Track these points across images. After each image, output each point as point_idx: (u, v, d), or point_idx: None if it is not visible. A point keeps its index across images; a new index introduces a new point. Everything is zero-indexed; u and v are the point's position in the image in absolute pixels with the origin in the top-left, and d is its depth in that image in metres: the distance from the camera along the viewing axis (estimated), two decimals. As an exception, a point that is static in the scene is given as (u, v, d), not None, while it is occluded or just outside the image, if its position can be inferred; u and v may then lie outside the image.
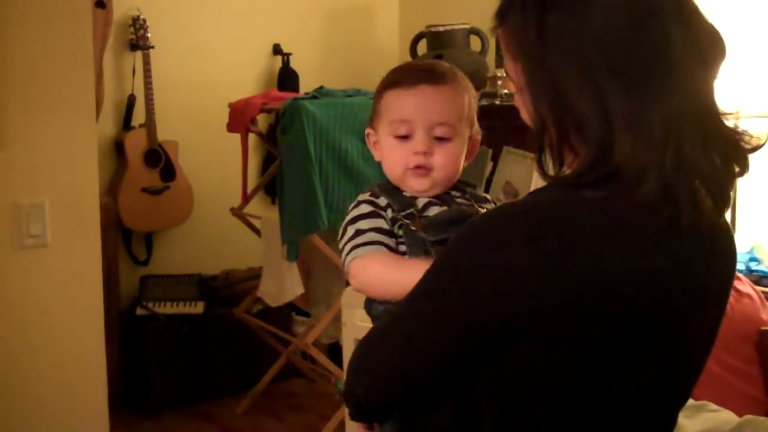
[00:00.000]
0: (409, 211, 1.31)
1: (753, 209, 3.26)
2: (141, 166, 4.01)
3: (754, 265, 3.17)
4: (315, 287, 3.76)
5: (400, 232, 1.29)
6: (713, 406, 2.36)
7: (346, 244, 1.30)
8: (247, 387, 3.94)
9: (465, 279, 1.05)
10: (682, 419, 2.25)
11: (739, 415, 2.37)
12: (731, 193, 1.11)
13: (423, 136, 1.33)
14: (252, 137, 3.86)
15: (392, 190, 1.35)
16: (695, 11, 1.07)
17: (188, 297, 4.05)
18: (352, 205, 1.35)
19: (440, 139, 1.34)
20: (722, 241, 1.14)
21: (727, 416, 2.33)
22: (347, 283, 3.40)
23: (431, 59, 1.43)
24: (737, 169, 1.09)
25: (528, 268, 1.00)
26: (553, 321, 1.02)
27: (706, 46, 1.06)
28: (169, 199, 4.10)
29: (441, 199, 1.36)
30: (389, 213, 1.31)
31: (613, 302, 1.02)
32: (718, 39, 1.07)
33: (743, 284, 2.84)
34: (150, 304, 3.98)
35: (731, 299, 2.74)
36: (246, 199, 3.83)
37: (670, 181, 1.02)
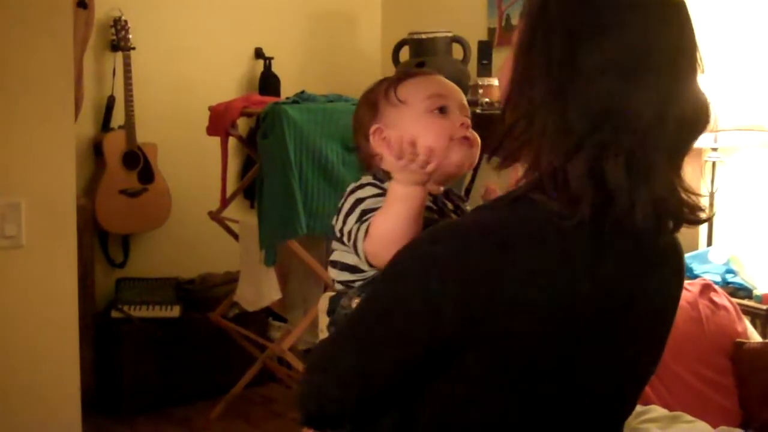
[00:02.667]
0: None
1: (729, 222, 3.28)
2: (119, 168, 3.99)
3: (730, 277, 3.19)
4: (292, 292, 3.75)
5: None
6: (688, 417, 2.37)
7: (355, 224, 1.28)
8: (222, 392, 3.91)
9: (400, 298, 1.07)
10: (657, 430, 2.26)
11: (714, 426, 2.38)
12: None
13: (458, 111, 1.36)
14: (232, 141, 3.85)
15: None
16: (690, 77, 1.07)
17: (164, 301, 4.02)
18: (355, 186, 1.35)
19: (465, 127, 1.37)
20: (668, 254, 1.15)
21: (702, 427, 2.34)
22: (324, 289, 3.40)
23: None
24: (671, 225, 1.10)
25: (457, 290, 1.01)
26: (485, 342, 1.02)
27: (697, 114, 1.07)
28: (146, 202, 4.08)
29: (437, 203, 1.37)
30: None
31: (546, 325, 1.02)
32: (706, 109, 1.08)
33: (719, 296, 2.86)
34: (125, 308, 3.95)
35: (707, 311, 2.77)
36: (224, 203, 3.81)
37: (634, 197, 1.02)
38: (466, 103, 1.39)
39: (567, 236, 1.02)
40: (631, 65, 1.02)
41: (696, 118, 1.07)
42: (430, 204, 1.35)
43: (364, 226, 1.25)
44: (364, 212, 1.28)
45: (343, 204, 1.33)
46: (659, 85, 1.02)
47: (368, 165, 1.39)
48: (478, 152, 1.37)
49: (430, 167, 1.18)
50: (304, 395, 1.20)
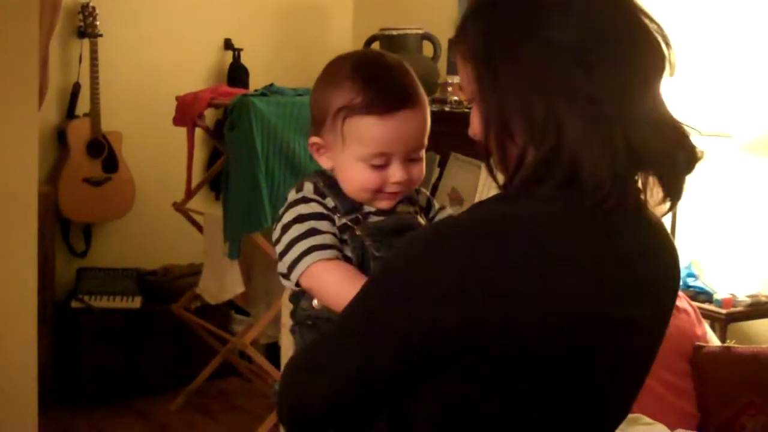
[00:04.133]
0: (354, 215, 1.27)
1: (691, 226, 3.31)
2: (83, 156, 3.94)
3: (690, 281, 3.23)
4: (256, 286, 3.73)
5: (345, 236, 1.25)
6: (647, 420, 2.40)
7: (300, 240, 1.22)
8: (182, 384, 3.88)
9: (399, 299, 1.04)
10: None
11: (672, 429, 2.40)
12: (683, 186, 1.10)
13: (400, 163, 1.26)
14: (198, 132, 3.82)
15: (337, 189, 1.28)
16: (643, 22, 1.07)
17: (126, 291, 3.98)
18: (296, 198, 1.27)
19: (412, 160, 1.29)
20: (668, 251, 1.15)
21: (661, 430, 2.37)
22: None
23: (383, 55, 1.34)
24: (684, 158, 1.08)
25: (461, 289, 0.99)
26: (486, 342, 1.01)
27: (652, 56, 1.07)
28: (110, 191, 4.04)
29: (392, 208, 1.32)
30: (337, 219, 1.26)
31: (548, 324, 1.01)
32: (659, 50, 1.08)
33: (680, 300, 2.89)
34: (86, 298, 3.91)
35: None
36: (189, 194, 3.78)
37: (621, 172, 1.02)
38: (423, 139, 1.29)
39: (571, 229, 1.03)
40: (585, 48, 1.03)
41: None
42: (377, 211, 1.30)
43: (308, 259, 1.21)
44: (314, 231, 1.23)
45: (283, 214, 1.27)
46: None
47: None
48: (408, 190, 1.30)
49: None
50: (288, 396, 1.16)
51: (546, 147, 1.03)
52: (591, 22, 1.04)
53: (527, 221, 1.03)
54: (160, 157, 4.20)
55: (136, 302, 3.96)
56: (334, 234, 1.24)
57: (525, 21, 1.05)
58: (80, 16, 3.93)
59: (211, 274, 3.59)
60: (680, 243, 3.30)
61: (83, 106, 3.98)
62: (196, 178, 3.98)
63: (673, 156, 1.06)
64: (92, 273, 4.02)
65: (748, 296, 3.14)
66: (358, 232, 1.25)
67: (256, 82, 4.16)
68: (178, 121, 3.67)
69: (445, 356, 1.03)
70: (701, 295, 3.17)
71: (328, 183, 1.29)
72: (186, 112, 3.62)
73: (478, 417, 1.05)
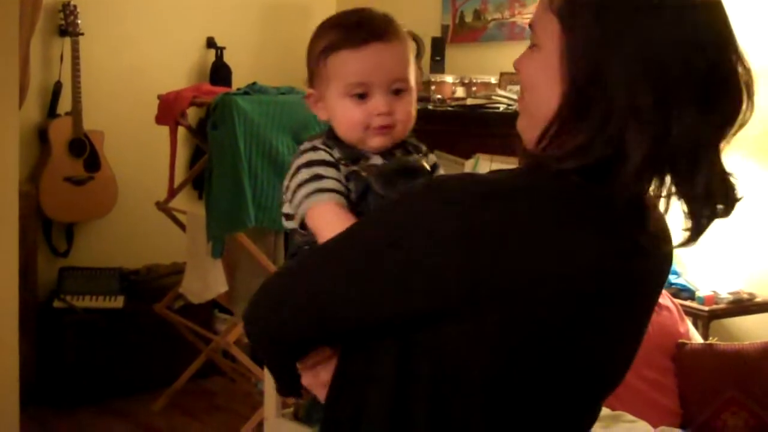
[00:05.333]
0: (359, 164, 1.30)
1: (673, 225, 3.32)
2: (65, 155, 3.92)
3: (673, 279, 3.24)
4: (239, 285, 3.72)
5: (350, 185, 1.28)
6: (629, 417, 2.41)
7: (304, 183, 1.26)
8: (165, 384, 3.87)
9: (399, 237, 1.03)
10: (599, 429, 2.28)
11: (654, 426, 2.41)
12: (704, 227, 1.10)
13: (382, 95, 1.30)
14: (181, 131, 3.80)
15: (341, 143, 1.32)
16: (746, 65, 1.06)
17: (108, 291, 3.96)
18: (306, 147, 1.32)
19: (397, 93, 1.32)
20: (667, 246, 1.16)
21: (643, 427, 2.38)
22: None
23: (367, 7, 1.39)
24: (720, 207, 1.08)
25: (463, 238, 0.98)
26: (488, 300, 1.00)
27: (749, 92, 1.06)
28: (92, 190, 4.02)
29: (381, 153, 1.34)
30: (342, 168, 1.29)
31: (552, 299, 1.01)
32: (752, 91, 1.06)
33: (663, 297, 2.90)
34: (68, 297, 3.89)
35: (651, 312, 2.81)
36: (172, 193, 3.77)
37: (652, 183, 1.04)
38: (402, 70, 1.33)
39: (598, 219, 1.03)
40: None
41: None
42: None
43: (310, 201, 1.25)
44: (318, 177, 1.27)
45: (294, 161, 1.32)
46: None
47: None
48: (401, 128, 1.33)
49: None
50: (263, 325, 1.17)
51: (605, 141, 1.02)
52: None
53: (544, 194, 1.02)
54: (143, 156, 4.18)
55: (118, 302, 3.95)
56: (339, 180, 1.28)
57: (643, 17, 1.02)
58: (61, 15, 3.91)
59: (194, 273, 3.57)
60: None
61: (65, 104, 3.96)
62: (179, 177, 3.97)
63: (716, 204, 1.07)
64: (74, 273, 4.00)
65: (730, 293, 3.16)
66: (363, 173, 1.28)
67: (238, 81, 4.14)
68: (160, 119, 3.66)
69: (442, 308, 1.02)
70: (684, 292, 3.19)
71: (333, 136, 1.33)
72: (168, 110, 3.61)
73: (480, 376, 1.04)
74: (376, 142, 1.31)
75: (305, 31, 1.43)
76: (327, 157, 1.29)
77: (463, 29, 4.31)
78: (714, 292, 3.15)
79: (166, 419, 3.77)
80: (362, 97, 1.30)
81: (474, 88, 3.74)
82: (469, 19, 4.28)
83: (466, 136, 3.40)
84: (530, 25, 1.13)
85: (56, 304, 3.87)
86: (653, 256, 1.12)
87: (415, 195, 1.08)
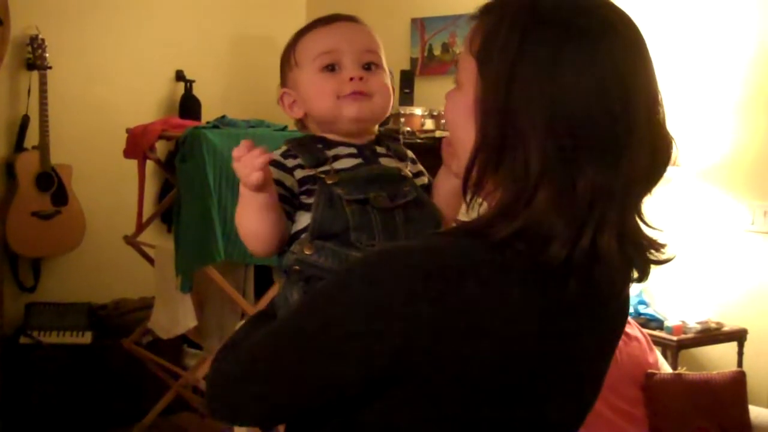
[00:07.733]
0: (325, 168, 1.27)
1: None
2: (32, 190, 3.89)
3: (642, 309, 3.26)
4: (208, 319, 3.69)
5: (310, 186, 1.25)
6: (600, 448, 2.41)
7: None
8: (134, 421, 3.81)
9: (341, 309, 1.01)
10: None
11: (625, 456, 2.41)
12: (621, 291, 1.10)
13: (353, 63, 1.30)
14: (150, 164, 3.79)
15: (308, 144, 1.30)
16: (658, 116, 1.04)
17: (76, 326, 3.92)
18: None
19: (369, 67, 1.32)
20: (619, 304, 1.14)
21: (614, 457, 2.38)
22: (241, 316, 3.35)
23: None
24: (636, 275, 1.08)
25: (406, 307, 0.97)
26: (427, 368, 0.98)
27: (659, 146, 1.03)
28: (59, 225, 3.98)
29: (363, 154, 1.31)
30: (298, 173, 1.26)
31: (490, 364, 0.99)
32: (669, 146, 1.05)
33: (632, 327, 2.92)
34: (35, 333, 3.84)
35: (620, 342, 2.82)
36: (141, 227, 3.74)
37: (578, 252, 0.98)
38: (372, 43, 1.34)
39: (528, 281, 1.00)
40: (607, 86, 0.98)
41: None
42: (355, 151, 1.31)
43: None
44: None
45: None
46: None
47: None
48: (380, 101, 1.31)
49: (254, 177, 1.15)
50: (220, 401, 1.12)
51: (518, 192, 0.98)
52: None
53: (487, 265, 0.99)
54: (111, 190, 4.16)
55: (86, 337, 3.90)
56: (280, 181, 1.25)
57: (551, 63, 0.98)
58: (29, 48, 3.90)
59: (163, 308, 3.54)
60: (631, 271, 3.35)
61: (32, 138, 3.94)
62: (148, 210, 3.94)
63: (630, 267, 1.07)
64: (41, 308, 3.95)
65: (699, 323, 3.18)
66: (328, 182, 1.25)
67: (208, 114, 4.14)
68: (128, 153, 3.64)
69: (381, 377, 1.00)
70: (652, 322, 3.21)
71: (300, 143, 1.31)
72: (136, 144, 3.59)
73: None
74: (352, 110, 1.29)
75: (274, 65, 1.44)
76: (279, 159, 1.27)
77: (432, 62, 4.35)
78: (682, 321, 3.17)
79: (134, 456, 3.72)
80: (333, 69, 1.30)
81: (443, 120, 3.76)
82: (437, 52, 4.31)
83: (435, 168, 3.41)
84: (455, 63, 1.12)
85: (23, 340, 3.82)
86: (598, 309, 1.08)
87: (367, 264, 1.04)
